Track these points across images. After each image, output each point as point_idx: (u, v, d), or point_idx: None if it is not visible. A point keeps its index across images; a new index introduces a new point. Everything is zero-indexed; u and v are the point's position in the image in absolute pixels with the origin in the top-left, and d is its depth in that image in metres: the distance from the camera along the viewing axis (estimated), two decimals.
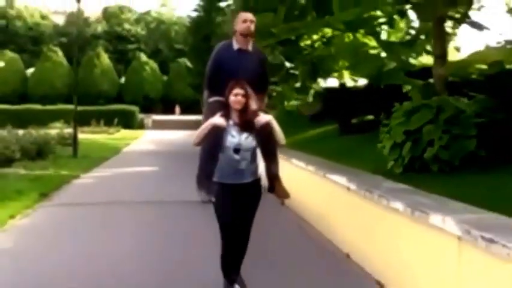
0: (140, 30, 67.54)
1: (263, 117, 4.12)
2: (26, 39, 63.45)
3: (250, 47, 4.45)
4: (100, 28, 65.96)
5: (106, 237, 6.57)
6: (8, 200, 8.30)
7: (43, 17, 69.33)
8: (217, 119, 4.10)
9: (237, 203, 4.18)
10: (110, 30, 65.34)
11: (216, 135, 4.08)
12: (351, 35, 9.73)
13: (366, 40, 9.83)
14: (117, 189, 10.71)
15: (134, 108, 45.03)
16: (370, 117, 11.06)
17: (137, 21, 69.25)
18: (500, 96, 6.36)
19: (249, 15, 4.43)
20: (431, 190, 5.01)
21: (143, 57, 57.52)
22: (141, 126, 42.43)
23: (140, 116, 44.39)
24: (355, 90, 11.77)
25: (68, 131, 20.95)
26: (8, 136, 14.91)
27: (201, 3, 31.36)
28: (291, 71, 10.76)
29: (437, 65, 7.68)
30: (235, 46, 4.44)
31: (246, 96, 4.07)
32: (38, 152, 14.98)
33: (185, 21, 53.66)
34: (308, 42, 10.55)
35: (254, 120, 4.10)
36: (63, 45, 60.50)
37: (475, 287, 3.41)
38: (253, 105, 4.14)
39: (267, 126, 4.11)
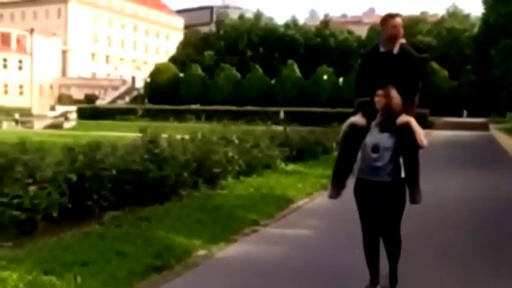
0: (431, 39, 75.05)
1: (404, 117, 4.17)
2: (336, 54, 77.53)
3: (396, 49, 4.44)
4: None
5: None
6: None
7: (350, 33, 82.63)
8: (355, 117, 4.35)
9: (375, 201, 4.28)
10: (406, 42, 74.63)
11: (355, 134, 4.31)
12: None
13: None
14: (439, 151, 19.74)
15: (426, 111, 54.34)
16: None
17: (429, 31, 77.10)
18: None
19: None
20: None
21: (435, 65, 65.48)
22: (431, 126, 51.45)
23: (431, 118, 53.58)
24: None
25: None
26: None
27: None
28: None
29: None
30: (381, 49, 4.51)
31: (386, 96, 4.18)
32: None
33: (475, 25, 58.91)
34: None
35: (397, 121, 4.16)
36: None
37: None
38: (396, 106, 4.19)
39: (407, 126, 4.16)
